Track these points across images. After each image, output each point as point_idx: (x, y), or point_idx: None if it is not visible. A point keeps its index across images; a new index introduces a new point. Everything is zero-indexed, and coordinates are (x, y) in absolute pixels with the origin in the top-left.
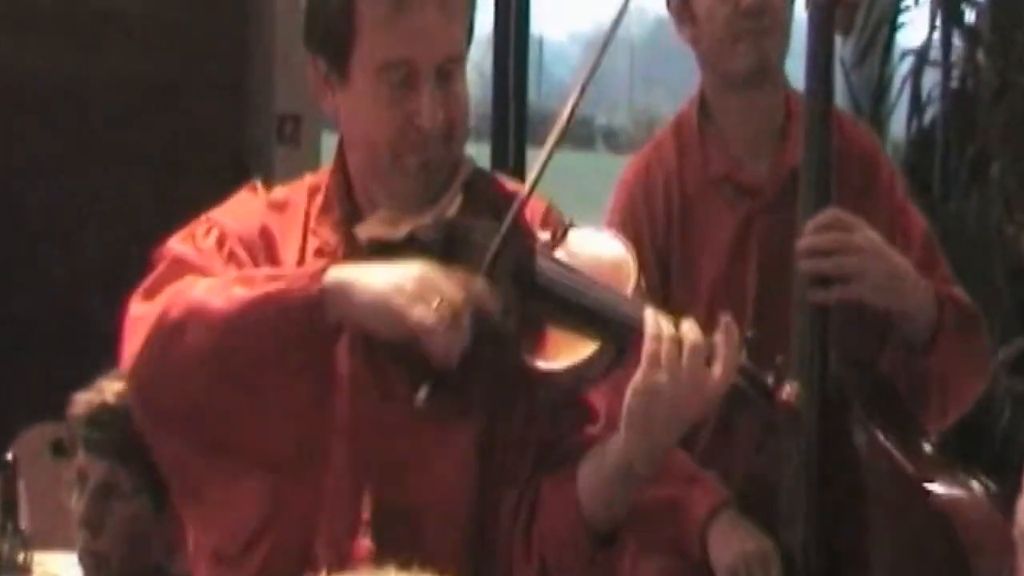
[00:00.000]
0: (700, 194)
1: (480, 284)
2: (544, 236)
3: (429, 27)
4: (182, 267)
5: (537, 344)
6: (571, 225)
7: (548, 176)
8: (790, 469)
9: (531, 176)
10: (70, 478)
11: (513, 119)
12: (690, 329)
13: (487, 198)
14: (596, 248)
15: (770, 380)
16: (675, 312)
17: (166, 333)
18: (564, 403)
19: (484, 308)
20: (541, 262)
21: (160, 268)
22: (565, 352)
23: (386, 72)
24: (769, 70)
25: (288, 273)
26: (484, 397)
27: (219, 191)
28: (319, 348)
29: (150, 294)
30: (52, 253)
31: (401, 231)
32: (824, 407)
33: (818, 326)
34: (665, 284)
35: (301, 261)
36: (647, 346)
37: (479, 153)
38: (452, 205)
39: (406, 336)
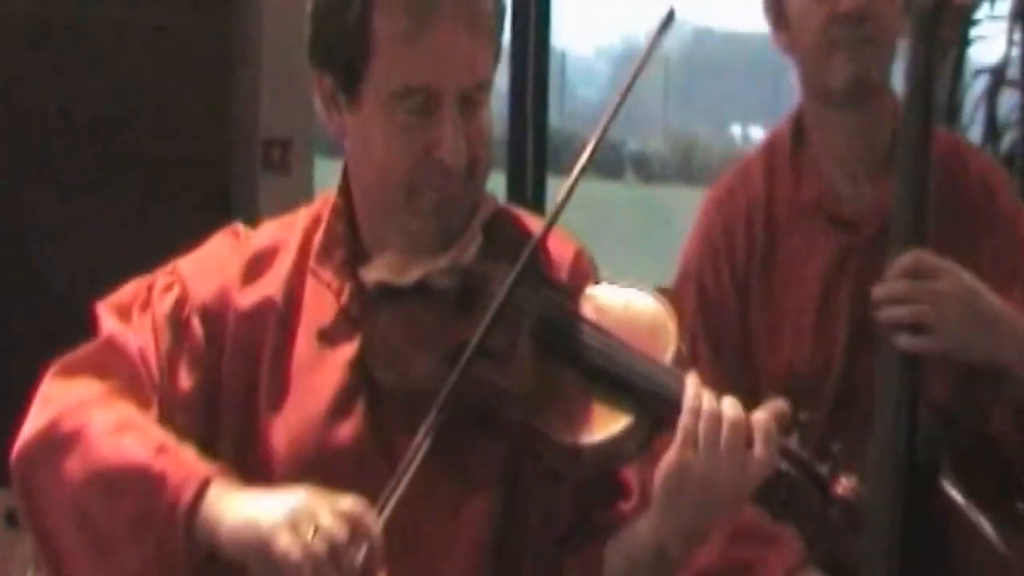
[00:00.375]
0: (789, 225)
1: (378, 528)
2: (571, 289)
3: (454, 49)
4: (110, 355)
5: (559, 414)
6: (607, 279)
7: (570, 210)
8: (866, 542)
9: (550, 214)
10: (24, 553)
11: (532, 145)
12: (732, 406)
13: (510, 240)
14: (631, 306)
15: (826, 470)
16: (753, 356)
17: (49, 445)
18: (592, 479)
19: (497, 378)
20: (566, 319)
21: (90, 346)
22: (592, 425)
23: (403, 98)
24: (870, 86)
25: (181, 454)
26: (499, 470)
27: (199, 225)
28: (174, 551)
29: (69, 372)
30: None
31: (411, 277)
32: (909, 475)
33: (903, 379)
34: (743, 322)
35: (296, 307)
36: (683, 420)
37: (493, 183)
38: (470, 249)
39: (272, 570)
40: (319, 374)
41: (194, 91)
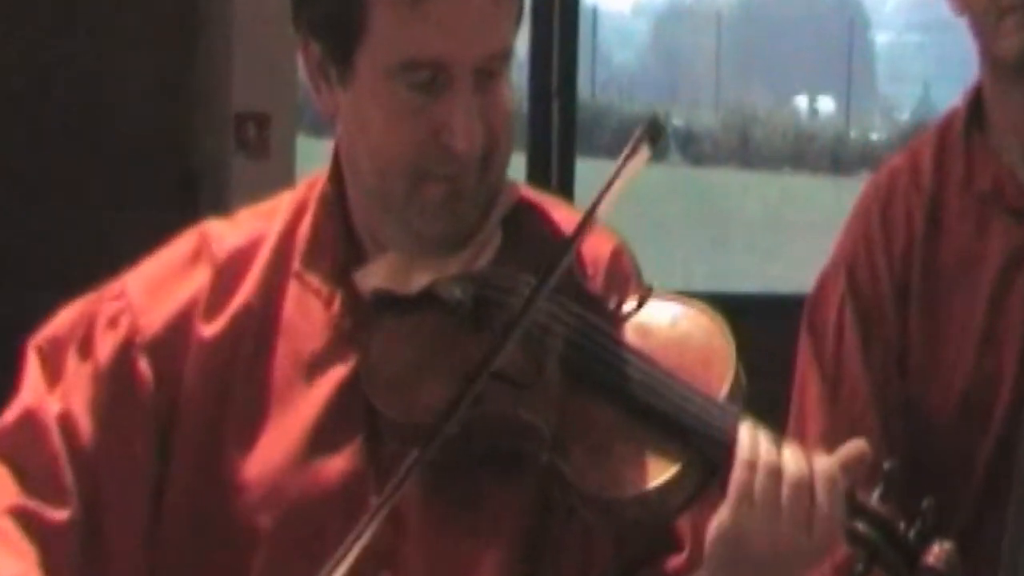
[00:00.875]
0: (958, 216)
1: None
2: (613, 303)
3: (469, 13)
4: (24, 440)
5: (592, 459)
6: (649, 291)
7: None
8: None
9: (585, 212)
10: None
11: (557, 120)
12: (793, 457)
13: (535, 240)
14: (680, 326)
15: (914, 534)
16: (908, 366)
17: None
18: (633, 532)
19: (517, 410)
20: (603, 342)
21: (5, 419)
22: (632, 473)
23: (407, 72)
24: None
25: None
26: (520, 523)
27: (159, 219)
28: None
29: None
30: None
31: (416, 284)
32: None
33: None
34: (900, 325)
35: (275, 318)
36: (736, 474)
37: (512, 166)
38: (486, 250)
39: None
40: (303, 401)
41: (151, 59)
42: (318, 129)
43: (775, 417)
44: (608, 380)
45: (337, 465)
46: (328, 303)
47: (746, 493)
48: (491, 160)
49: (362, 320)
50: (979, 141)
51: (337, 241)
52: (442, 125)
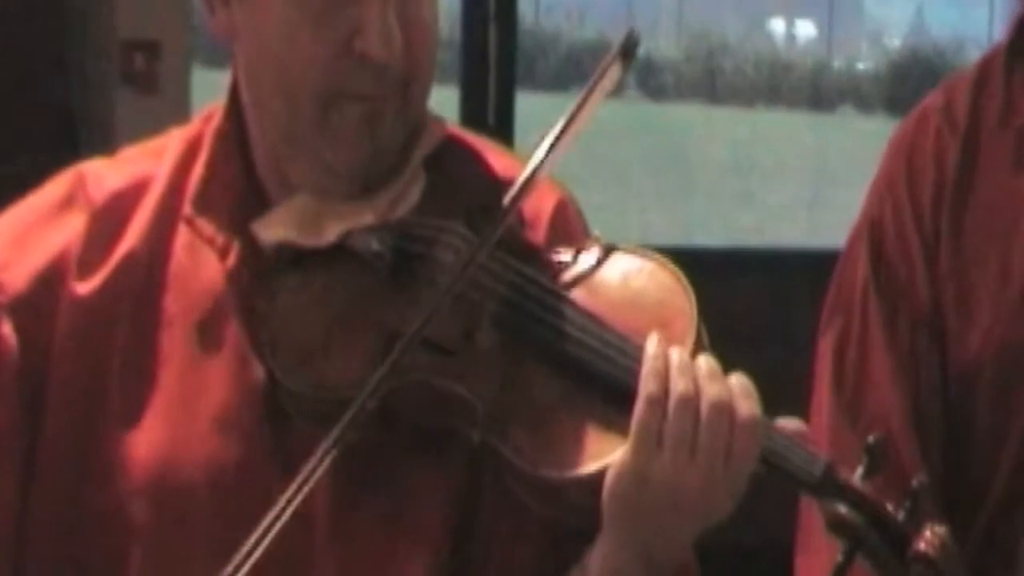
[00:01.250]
0: (994, 158)
1: None
2: (556, 258)
3: None
4: None
5: (533, 435)
6: (598, 243)
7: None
8: None
9: (532, 162)
10: None
11: (495, 48)
12: (711, 375)
13: (465, 184)
14: (633, 282)
15: (902, 516)
16: (943, 330)
17: None
18: (576, 524)
19: (445, 381)
20: (544, 302)
21: None
22: (580, 450)
23: None
24: None
25: None
26: (448, 514)
27: (33, 163)
28: None
29: None
30: None
31: (328, 234)
32: None
33: None
34: (931, 286)
35: (162, 272)
36: (639, 403)
37: (443, 102)
38: (408, 196)
39: None
40: (193, 370)
41: None
42: (215, 59)
43: None
44: (550, 344)
45: (231, 449)
46: (223, 253)
47: (651, 434)
48: (412, 86)
49: (263, 276)
50: (1021, 74)
51: (235, 183)
52: (355, 30)
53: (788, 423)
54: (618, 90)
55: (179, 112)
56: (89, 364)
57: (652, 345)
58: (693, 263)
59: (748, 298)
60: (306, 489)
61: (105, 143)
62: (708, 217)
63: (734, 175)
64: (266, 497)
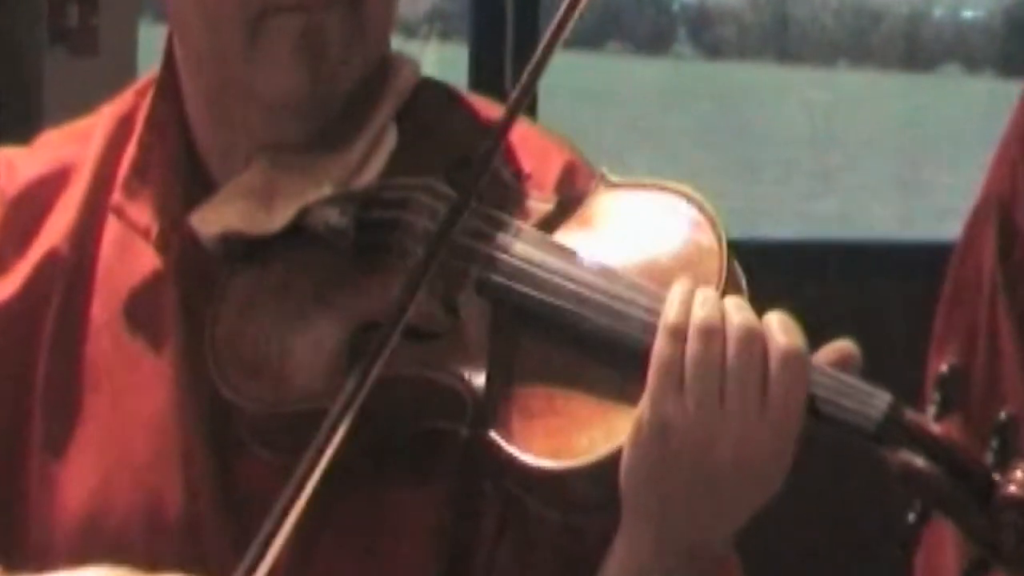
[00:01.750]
0: None
1: None
2: (546, 206)
3: None
4: None
5: (532, 421)
6: (604, 180)
7: (584, 101)
8: None
9: (514, 93)
10: None
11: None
12: (738, 306)
13: (444, 135)
14: (652, 222)
15: (991, 459)
16: None
17: None
18: (587, 518)
19: (428, 371)
20: (537, 259)
21: None
22: (587, 434)
23: None
24: None
25: None
26: (436, 522)
27: None
28: None
29: None
30: None
31: (279, 217)
32: None
33: None
34: None
35: (89, 271)
36: (659, 348)
37: (448, 61)
38: (376, 156)
39: None
40: (128, 392)
41: None
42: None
43: None
44: (547, 306)
45: (173, 486)
46: (161, 248)
47: (671, 373)
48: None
49: (209, 272)
50: None
51: (172, 163)
52: None
53: (833, 349)
54: (666, 46)
55: (123, 76)
56: (6, 387)
57: (679, 285)
58: (759, 258)
59: (827, 302)
60: (272, 545)
61: (33, 114)
62: (778, 202)
63: (810, 151)
64: (215, 542)
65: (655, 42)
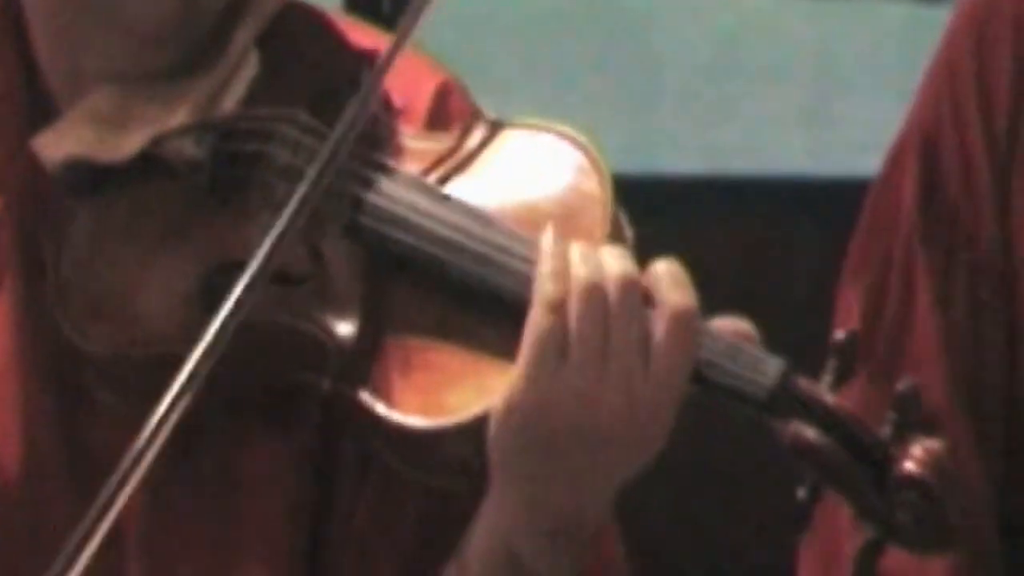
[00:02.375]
0: None
1: None
2: (427, 144)
3: None
4: None
5: (400, 375)
6: (482, 118)
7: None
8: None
9: (403, 21)
10: None
11: None
12: (619, 256)
13: (309, 63)
14: (529, 165)
15: (888, 432)
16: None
17: None
18: (456, 484)
19: (288, 318)
20: (407, 200)
21: None
22: (463, 389)
23: None
24: None
25: None
26: (293, 484)
27: None
28: None
29: None
30: None
31: (130, 144)
32: None
33: None
34: (1002, 219)
35: None
36: (534, 310)
37: None
38: (235, 83)
39: None
40: None
41: None
42: None
43: None
44: (418, 252)
45: (11, 442)
46: None
47: (548, 344)
48: None
49: (49, 209)
50: None
51: (7, 88)
52: None
53: (727, 323)
54: None
55: None
56: None
57: (547, 241)
58: (658, 193)
59: (730, 240)
60: (121, 496)
61: None
62: (678, 134)
63: (711, 79)
64: (58, 496)
65: None
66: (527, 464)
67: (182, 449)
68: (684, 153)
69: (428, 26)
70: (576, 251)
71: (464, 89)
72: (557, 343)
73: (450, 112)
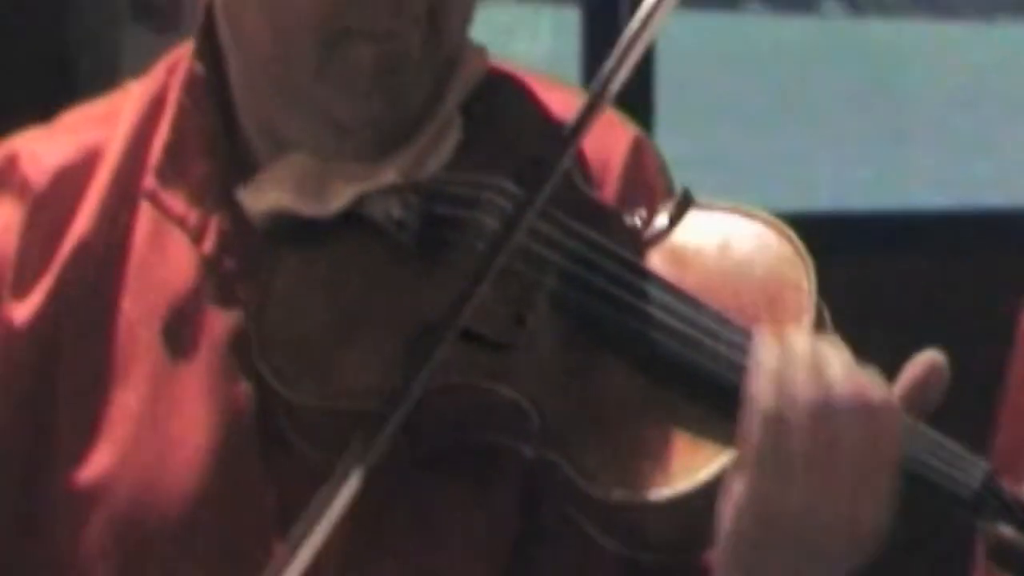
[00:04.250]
0: None
1: None
2: (631, 219)
3: None
4: None
5: (603, 446)
6: (688, 199)
7: (718, 63)
8: None
9: (594, 88)
10: None
11: None
12: (845, 370)
13: (513, 130)
14: (733, 248)
15: None
16: None
17: None
18: (659, 559)
19: (492, 383)
20: (615, 276)
21: None
22: (665, 465)
23: None
24: None
25: None
26: (492, 548)
27: (24, 117)
28: None
29: None
30: None
31: (336, 199)
32: None
33: None
34: None
35: (119, 264)
36: (755, 424)
37: (559, 24)
38: (439, 150)
39: None
40: (165, 387)
41: None
42: None
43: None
44: (625, 329)
45: (212, 483)
46: (198, 235)
47: (771, 456)
48: (440, 16)
49: (251, 260)
50: None
51: (211, 145)
52: None
53: (920, 363)
54: (810, 4)
55: None
56: (29, 400)
57: (762, 347)
58: (909, 230)
59: (985, 278)
60: (316, 538)
61: (107, 91)
62: (930, 169)
63: (964, 111)
64: (258, 545)
65: (797, 0)
66: (746, 554)
67: (378, 506)
68: (938, 187)
69: (676, 61)
70: (796, 353)
71: (655, 147)
72: (780, 459)
73: (645, 168)
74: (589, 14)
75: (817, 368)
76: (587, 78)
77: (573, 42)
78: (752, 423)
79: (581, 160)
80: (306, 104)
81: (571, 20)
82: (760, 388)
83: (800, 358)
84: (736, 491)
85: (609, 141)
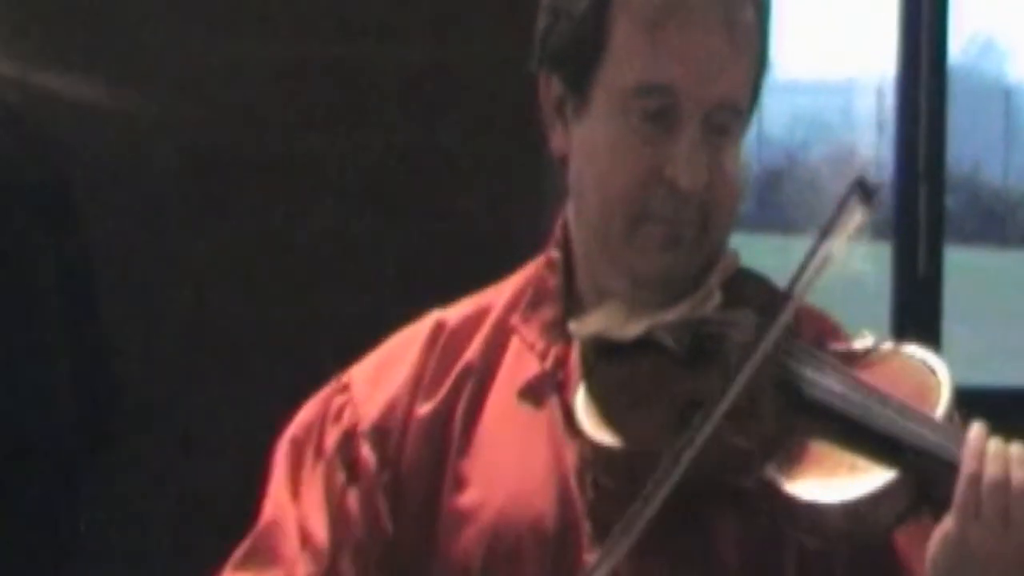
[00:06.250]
0: None
1: None
2: (830, 346)
3: (703, 48)
4: (271, 543)
5: (802, 467)
6: (874, 349)
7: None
8: None
9: (800, 267)
10: None
11: (924, 205)
12: (1020, 459)
13: (753, 295)
14: (895, 364)
15: None
16: None
17: None
18: (844, 554)
19: (734, 437)
20: (818, 372)
21: (254, 533)
22: (842, 481)
23: (639, 97)
24: None
25: None
26: (742, 551)
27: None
28: None
29: (235, 569)
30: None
31: (634, 329)
32: None
33: None
34: None
35: (492, 371)
36: (960, 488)
37: (877, 256)
38: (706, 306)
39: None
40: (521, 444)
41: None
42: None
43: None
44: (821, 400)
45: (553, 509)
46: (543, 356)
47: (970, 507)
48: (711, 215)
49: (572, 371)
50: None
51: (557, 296)
52: (667, 159)
53: None
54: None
55: None
56: (430, 459)
57: (975, 429)
58: None
59: None
60: (620, 551)
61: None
62: None
63: None
64: (578, 551)
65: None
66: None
67: (661, 529)
68: None
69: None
70: (993, 444)
71: (845, 331)
72: (974, 506)
73: (839, 344)
74: (898, 249)
75: (1003, 453)
76: None
77: (884, 272)
78: (960, 482)
79: (799, 328)
80: (615, 259)
81: (883, 252)
82: (968, 455)
83: (996, 445)
84: (944, 527)
85: (817, 324)
